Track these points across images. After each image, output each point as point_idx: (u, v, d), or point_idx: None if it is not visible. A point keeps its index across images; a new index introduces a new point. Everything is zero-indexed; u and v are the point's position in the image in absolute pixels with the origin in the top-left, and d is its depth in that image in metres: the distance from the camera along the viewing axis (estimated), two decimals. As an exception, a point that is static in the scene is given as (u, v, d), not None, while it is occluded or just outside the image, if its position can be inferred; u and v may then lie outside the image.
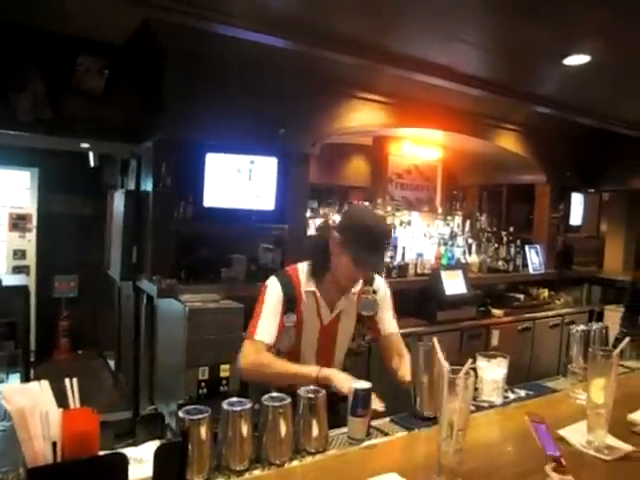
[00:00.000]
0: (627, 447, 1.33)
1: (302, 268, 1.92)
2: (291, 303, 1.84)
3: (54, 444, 0.90)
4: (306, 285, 1.87)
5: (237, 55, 3.17)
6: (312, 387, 1.40)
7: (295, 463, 1.28)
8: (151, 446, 1.14)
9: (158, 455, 0.99)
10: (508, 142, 4.94)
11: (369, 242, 1.74)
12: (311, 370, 1.70)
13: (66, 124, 3.22)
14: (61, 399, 1.00)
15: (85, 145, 4.21)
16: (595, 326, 2.06)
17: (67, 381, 1.00)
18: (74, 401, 1.01)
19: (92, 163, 5.07)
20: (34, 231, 5.53)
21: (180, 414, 1.19)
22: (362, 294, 1.93)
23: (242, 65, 3.30)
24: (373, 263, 1.82)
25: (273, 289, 1.85)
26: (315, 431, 1.33)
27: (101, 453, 0.96)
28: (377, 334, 2.08)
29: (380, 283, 2.04)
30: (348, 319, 1.95)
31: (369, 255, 1.74)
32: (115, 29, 3.07)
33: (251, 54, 3.12)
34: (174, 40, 3.06)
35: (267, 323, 1.80)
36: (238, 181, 3.50)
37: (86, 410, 0.99)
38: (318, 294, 1.87)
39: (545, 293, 5.33)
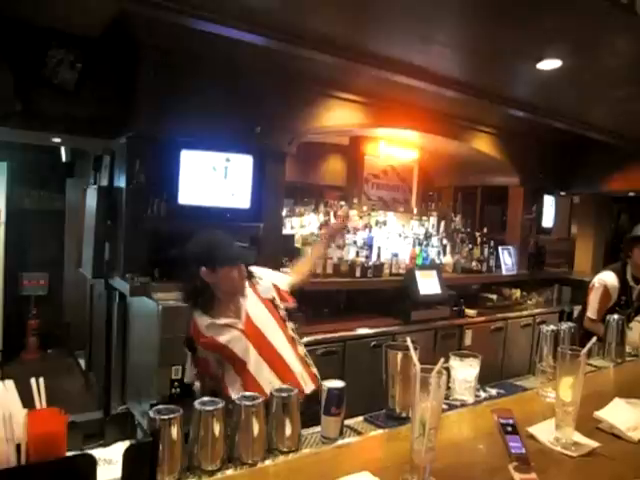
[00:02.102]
0: (593, 443, 1.36)
1: (197, 321, 2.00)
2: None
3: (18, 446, 0.88)
4: (205, 326, 1.97)
5: (214, 51, 3.14)
6: (285, 386, 1.40)
7: (268, 462, 1.27)
8: (121, 446, 1.12)
9: (127, 456, 0.97)
10: (483, 144, 5.01)
11: (213, 248, 1.97)
12: None
13: (36, 118, 3.14)
14: (28, 400, 0.98)
15: (56, 140, 4.12)
16: (564, 326, 2.10)
17: (33, 381, 0.98)
18: (40, 401, 0.99)
19: (64, 158, 4.97)
20: (2, 227, 5.38)
21: (151, 414, 1.18)
22: (253, 287, 2.09)
23: (218, 62, 3.27)
24: (234, 257, 2.00)
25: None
26: (288, 430, 1.33)
27: (69, 454, 0.94)
28: (288, 297, 2.23)
29: (259, 272, 2.17)
30: (259, 311, 2.05)
31: (226, 255, 1.96)
32: (89, 21, 3.00)
33: (228, 51, 3.09)
34: (150, 34, 3.02)
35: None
36: (213, 179, 3.47)
37: (53, 410, 0.97)
38: (219, 321, 1.97)
39: (517, 293, 5.43)
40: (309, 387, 2.01)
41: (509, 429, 1.23)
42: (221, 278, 1.96)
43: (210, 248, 1.98)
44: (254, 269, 2.15)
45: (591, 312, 3.32)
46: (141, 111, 3.19)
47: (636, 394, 1.68)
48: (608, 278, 3.33)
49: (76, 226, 4.92)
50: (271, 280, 2.19)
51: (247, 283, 2.07)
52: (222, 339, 1.95)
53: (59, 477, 0.89)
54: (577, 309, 5.09)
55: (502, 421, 1.24)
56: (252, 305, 2.05)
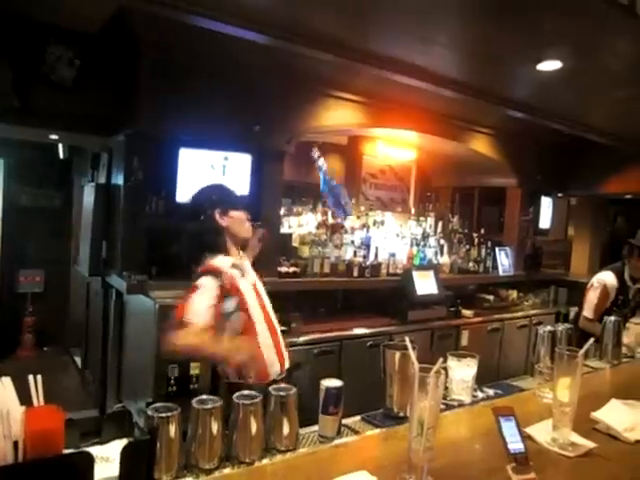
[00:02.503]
0: (590, 444, 1.37)
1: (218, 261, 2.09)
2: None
3: (15, 443, 0.87)
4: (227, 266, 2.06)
5: (213, 50, 3.14)
6: (284, 385, 1.40)
7: (265, 461, 1.27)
8: (118, 444, 1.12)
9: (125, 453, 0.97)
10: (481, 145, 5.01)
11: (224, 194, 2.21)
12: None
13: (34, 114, 3.13)
14: (25, 397, 0.98)
15: (54, 137, 4.11)
16: (561, 327, 2.11)
17: (30, 378, 0.97)
18: (38, 399, 0.98)
19: (61, 155, 4.95)
20: (-1, 223, 5.37)
21: (148, 412, 1.18)
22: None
23: (218, 60, 3.26)
24: (240, 202, 2.22)
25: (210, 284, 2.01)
26: (286, 429, 1.33)
27: (66, 452, 0.94)
28: None
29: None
30: (260, 284, 2.22)
31: (234, 200, 2.21)
32: (88, 18, 2.99)
33: (228, 49, 3.09)
34: (149, 31, 3.01)
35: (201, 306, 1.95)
36: (212, 177, 3.46)
37: (50, 408, 0.96)
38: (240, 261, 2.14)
39: (514, 294, 5.44)
40: (287, 364, 2.16)
41: (509, 427, 1.23)
42: (232, 221, 2.13)
43: (220, 194, 2.20)
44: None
45: (588, 311, 3.33)
46: (140, 109, 3.18)
47: (633, 395, 1.69)
48: (607, 278, 3.36)
49: (73, 223, 4.91)
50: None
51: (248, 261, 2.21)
52: (240, 284, 2.05)
53: (56, 474, 0.89)
54: (573, 310, 5.11)
55: (502, 419, 1.24)
56: (254, 275, 2.21)
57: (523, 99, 3.93)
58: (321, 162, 4.07)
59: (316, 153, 4.06)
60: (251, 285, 2.14)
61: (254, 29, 2.67)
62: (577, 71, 3.10)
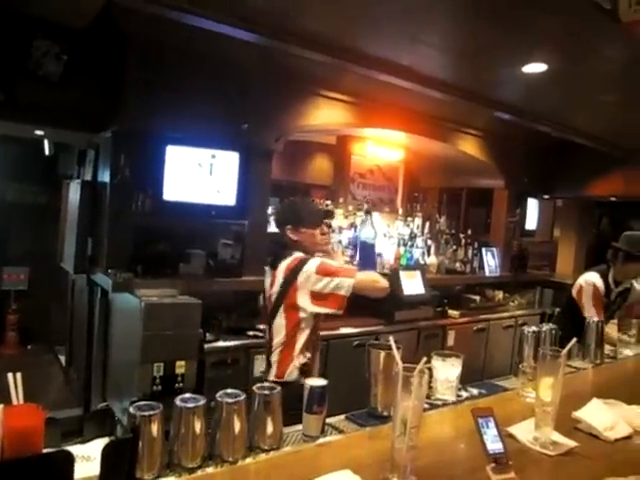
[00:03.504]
0: (571, 443, 1.38)
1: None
2: None
3: (-6, 441, 0.86)
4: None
5: (202, 47, 3.12)
6: (267, 384, 1.39)
7: (249, 460, 1.27)
8: (100, 443, 1.11)
9: (106, 452, 0.96)
10: (469, 146, 5.04)
11: (296, 211, 2.41)
12: None
13: (20, 110, 3.08)
14: (5, 395, 0.96)
15: (40, 132, 4.05)
16: (545, 327, 2.13)
17: (10, 376, 0.96)
18: (17, 397, 0.97)
19: (47, 151, 4.89)
20: (-18, 220, 5.29)
21: (131, 410, 1.16)
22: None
23: (206, 57, 3.24)
24: (312, 219, 2.40)
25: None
26: (270, 428, 1.33)
27: (46, 451, 0.93)
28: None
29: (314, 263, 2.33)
30: None
31: (306, 217, 2.38)
32: (76, 12, 2.96)
33: (216, 46, 3.07)
34: (137, 27, 2.98)
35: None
36: (199, 175, 3.44)
37: (30, 406, 0.95)
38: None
39: (500, 295, 5.48)
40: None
41: (489, 428, 1.24)
42: (303, 236, 2.34)
43: (293, 211, 2.43)
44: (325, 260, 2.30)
45: (591, 313, 3.23)
46: (127, 105, 3.15)
47: (614, 395, 1.71)
48: (594, 278, 3.38)
49: (58, 220, 4.85)
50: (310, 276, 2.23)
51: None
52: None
53: (35, 474, 0.88)
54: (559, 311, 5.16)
55: (481, 420, 1.25)
56: None
57: (510, 101, 3.96)
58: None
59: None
60: None
61: (244, 27, 2.66)
62: (562, 74, 3.13)
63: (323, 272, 2.18)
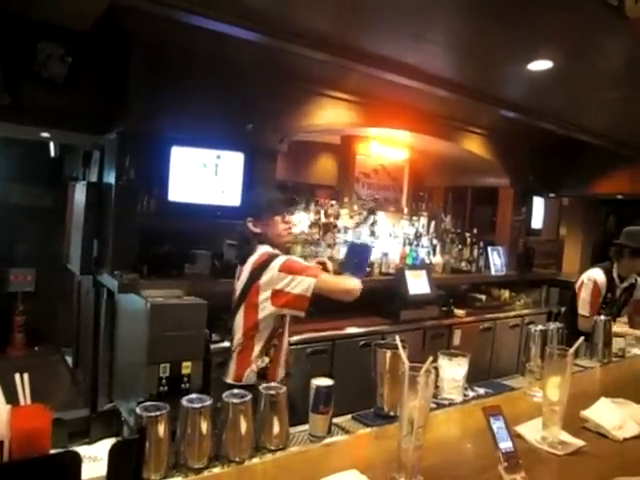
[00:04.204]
0: (579, 442, 1.37)
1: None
2: None
3: (0, 443, 0.86)
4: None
5: (206, 47, 3.12)
6: (274, 384, 1.39)
7: (255, 460, 1.27)
8: (107, 444, 1.11)
9: (113, 453, 0.96)
10: (474, 145, 5.03)
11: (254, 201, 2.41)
12: None
13: (25, 112, 3.10)
14: (13, 396, 0.97)
15: (45, 134, 4.07)
16: (552, 326, 2.12)
17: (17, 377, 0.97)
18: (25, 398, 0.97)
19: (52, 153, 4.92)
20: (-12, 222, 5.31)
21: (137, 410, 1.17)
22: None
23: (211, 58, 3.25)
24: (270, 207, 2.28)
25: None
26: (276, 428, 1.33)
27: (53, 451, 0.93)
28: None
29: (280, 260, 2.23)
30: None
31: (265, 206, 2.29)
32: (80, 15, 2.97)
33: (220, 47, 3.07)
34: (141, 29, 2.99)
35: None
36: (204, 176, 3.45)
37: (37, 407, 0.95)
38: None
39: (506, 294, 5.46)
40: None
41: (499, 427, 1.23)
42: (265, 228, 2.24)
43: (251, 202, 2.42)
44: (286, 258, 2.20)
45: (583, 309, 3.31)
46: (132, 107, 3.16)
47: (622, 394, 1.70)
48: (597, 275, 3.37)
49: (64, 222, 4.87)
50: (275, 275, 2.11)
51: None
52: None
53: (43, 474, 0.88)
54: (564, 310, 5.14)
55: (492, 418, 1.24)
56: None
57: (515, 99, 3.94)
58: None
59: None
60: None
61: (247, 27, 2.66)
62: (568, 71, 3.12)
63: (286, 270, 2.07)
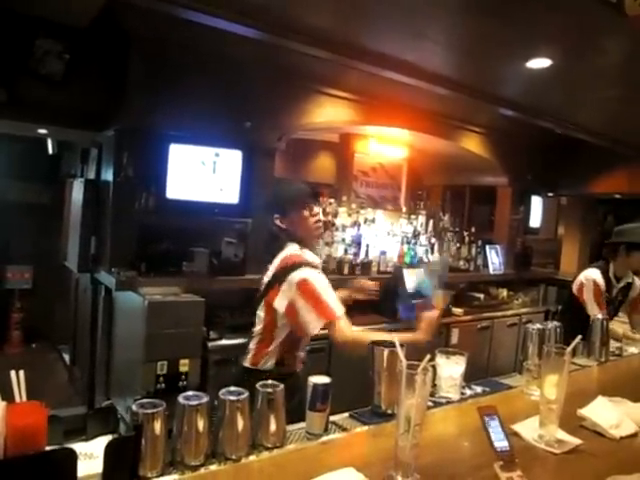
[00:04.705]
0: (576, 441, 1.37)
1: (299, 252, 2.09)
2: None
3: (-4, 439, 0.86)
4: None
5: (205, 44, 3.12)
6: (270, 382, 1.39)
7: (252, 458, 1.26)
8: (103, 441, 1.10)
9: (109, 450, 0.96)
10: (472, 144, 5.03)
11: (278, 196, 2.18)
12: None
13: (22, 108, 3.09)
14: (9, 393, 0.96)
15: (43, 131, 4.06)
16: (550, 325, 2.12)
17: (13, 374, 0.96)
18: (20, 395, 0.97)
19: (50, 150, 4.91)
20: (-14, 219, 5.31)
21: (134, 408, 1.16)
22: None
23: (209, 55, 3.24)
24: (295, 201, 2.11)
25: (321, 276, 2.01)
26: (273, 426, 1.32)
27: (48, 448, 0.92)
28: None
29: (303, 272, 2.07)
30: None
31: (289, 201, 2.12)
32: (78, 11, 2.96)
33: (219, 44, 3.07)
34: (139, 25, 2.98)
35: (334, 298, 1.98)
36: (202, 173, 3.44)
37: (33, 404, 0.95)
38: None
39: (504, 293, 5.46)
40: None
41: (494, 426, 1.24)
42: (292, 223, 2.09)
43: (276, 196, 2.20)
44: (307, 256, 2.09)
45: (593, 310, 3.23)
46: (130, 104, 3.15)
47: (619, 392, 1.70)
48: (594, 274, 3.37)
49: (62, 219, 4.87)
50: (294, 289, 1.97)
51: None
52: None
53: (39, 471, 0.88)
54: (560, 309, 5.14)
55: (487, 418, 1.24)
56: None
57: (514, 97, 3.94)
58: None
59: None
60: None
61: (246, 23, 2.65)
62: (567, 69, 3.11)
63: (304, 293, 1.94)
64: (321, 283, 1.96)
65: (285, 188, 2.27)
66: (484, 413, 1.25)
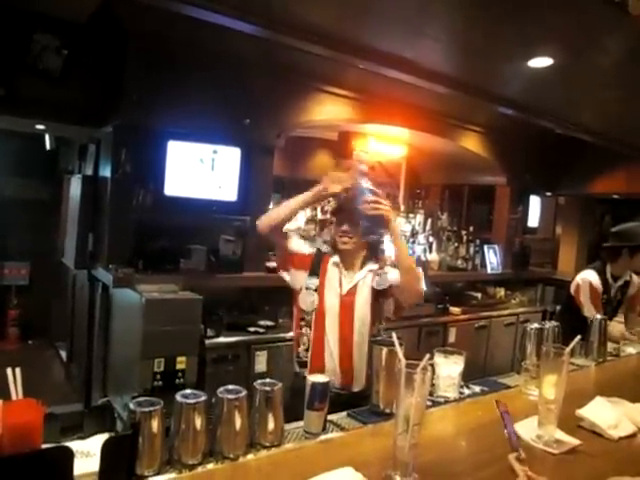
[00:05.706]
0: (574, 441, 1.37)
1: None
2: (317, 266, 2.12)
3: (-8, 437, 0.85)
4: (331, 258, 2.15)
5: (203, 41, 3.10)
6: (268, 380, 1.38)
7: (250, 457, 1.26)
8: (100, 439, 1.10)
9: (106, 448, 0.96)
10: (471, 143, 5.02)
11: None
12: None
13: (20, 104, 3.07)
14: (5, 390, 0.95)
15: (40, 127, 4.04)
16: (548, 325, 2.12)
17: (9, 371, 0.95)
18: (16, 392, 0.96)
19: (48, 146, 4.89)
20: (-17, 215, 5.28)
21: (131, 406, 1.15)
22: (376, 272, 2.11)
23: (208, 52, 3.23)
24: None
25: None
26: (271, 425, 1.32)
27: (45, 446, 0.92)
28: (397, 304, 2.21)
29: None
30: (363, 295, 2.09)
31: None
32: (75, 6, 2.94)
33: (218, 41, 3.05)
34: (138, 21, 2.96)
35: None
36: (200, 170, 3.43)
37: (29, 401, 0.94)
38: (341, 265, 2.12)
39: (501, 292, 5.47)
40: (359, 385, 2.04)
41: (508, 420, 1.25)
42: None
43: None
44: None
45: (590, 313, 3.25)
46: (128, 100, 3.13)
47: (617, 393, 1.70)
48: (590, 276, 3.37)
49: (59, 215, 4.85)
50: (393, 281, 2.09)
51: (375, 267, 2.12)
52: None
53: (35, 469, 0.87)
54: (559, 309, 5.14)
55: (504, 413, 1.26)
56: (361, 280, 2.10)
57: (514, 96, 3.93)
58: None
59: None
60: (345, 281, 2.10)
61: (246, 19, 2.63)
62: (568, 69, 3.10)
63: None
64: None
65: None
66: (503, 410, 1.26)
